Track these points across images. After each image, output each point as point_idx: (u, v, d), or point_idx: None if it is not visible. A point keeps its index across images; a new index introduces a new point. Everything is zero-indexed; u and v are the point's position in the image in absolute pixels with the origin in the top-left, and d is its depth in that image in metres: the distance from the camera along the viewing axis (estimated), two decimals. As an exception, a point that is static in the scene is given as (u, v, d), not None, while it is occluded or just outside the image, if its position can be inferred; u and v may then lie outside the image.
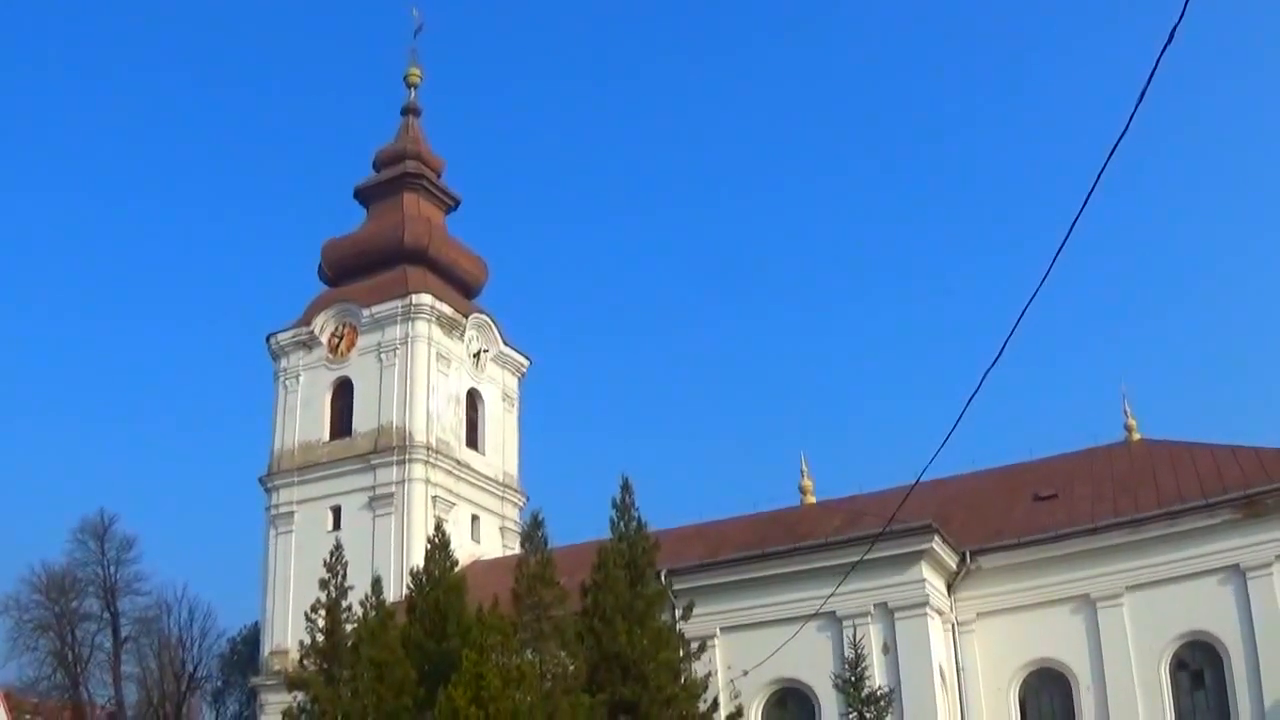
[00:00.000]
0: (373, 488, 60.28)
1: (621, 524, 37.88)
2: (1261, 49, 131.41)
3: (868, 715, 35.99)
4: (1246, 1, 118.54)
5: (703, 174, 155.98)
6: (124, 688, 74.83)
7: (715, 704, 38.60)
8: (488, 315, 67.81)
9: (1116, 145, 14.24)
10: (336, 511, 60.81)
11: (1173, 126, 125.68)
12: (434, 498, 60.09)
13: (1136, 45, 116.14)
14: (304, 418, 63.93)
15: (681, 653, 37.50)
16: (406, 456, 60.05)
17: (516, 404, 68.98)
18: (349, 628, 40.12)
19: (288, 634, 56.92)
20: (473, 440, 65.16)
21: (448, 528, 45.51)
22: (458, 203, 73.23)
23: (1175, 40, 12.62)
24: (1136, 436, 47.48)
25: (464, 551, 53.27)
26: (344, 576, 41.47)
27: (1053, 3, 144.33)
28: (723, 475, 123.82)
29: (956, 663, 42.39)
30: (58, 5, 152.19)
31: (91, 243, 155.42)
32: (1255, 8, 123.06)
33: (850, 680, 36.26)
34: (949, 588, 43.08)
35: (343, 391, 63.80)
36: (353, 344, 64.05)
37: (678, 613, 39.06)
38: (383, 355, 62.81)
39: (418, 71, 73.37)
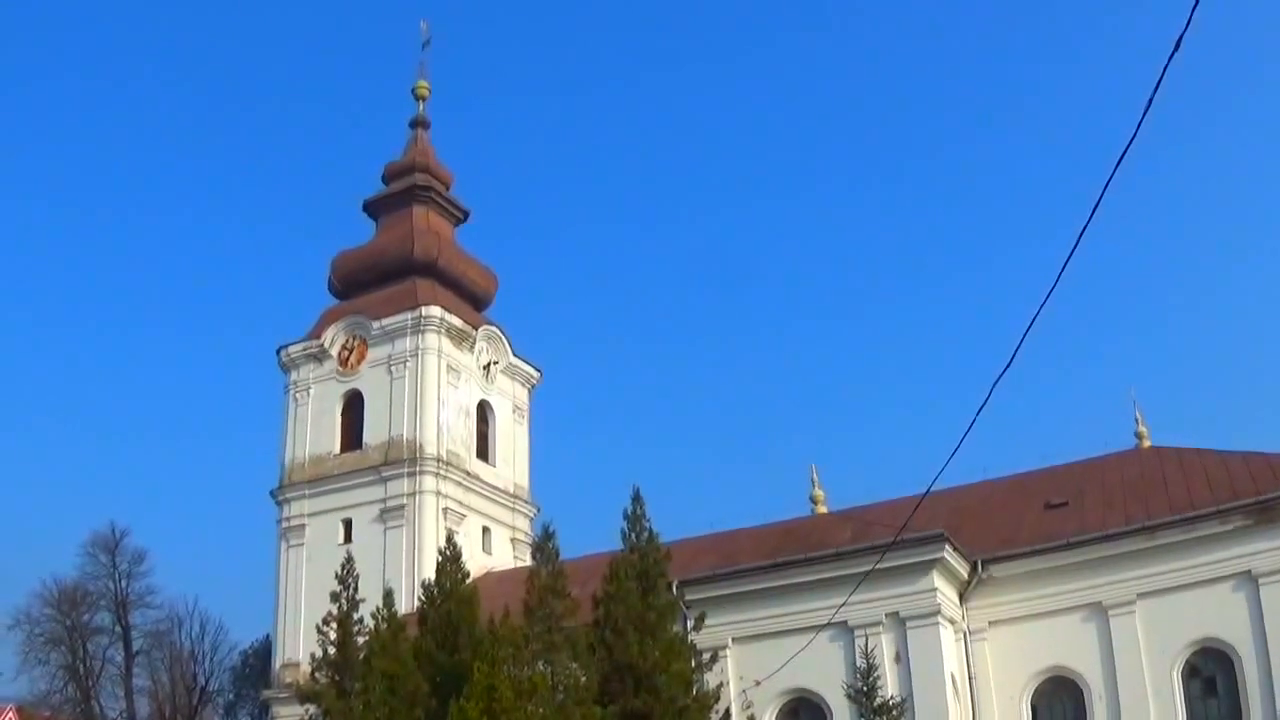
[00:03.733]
0: (384, 500, 60.40)
1: (633, 535, 37.84)
2: (1269, 54, 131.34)
3: (880, 725, 35.99)
4: (1254, 8, 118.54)
5: (712, 185, 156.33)
6: (136, 701, 75.02)
7: (727, 715, 38.54)
8: (497, 327, 67.96)
9: (1125, 152, 14.25)
10: (348, 524, 60.94)
11: (1183, 131, 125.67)
12: (445, 510, 60.17)
13: (1146, 48, 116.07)
14: (315, 430, 64.09)
15: (694, 664, 37.47)
16: (417, 469, 60.15)
17: (527, 415, 69.09)
18: (360, 640, 40.19)
19: (299, 647, 57.02)
20: (483, 452, 65.27)
21: (459, 540, 45.60)
22: (467, 215, 73.46)
23: (1182, 47, 12.65)
24: (1148, 443, 47.35)
25: (475, 563, 53.29)
26: (355, 589, 41.56)
27: (1061, 8, 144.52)
28: (734, 486, 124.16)
29: (968, 671, 42.29)
30: (70, 16, 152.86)
31: (101, 256, 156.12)
32: (1262, 13, 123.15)
33: (862, 690, 36.22)
34: (961, 597, 43.00)
35: (353, 404, 63.96)
36: (363, 357, 64.20)
37: (689, 623, 39.05)
38: (393, 368, 62.94)
39: (426, 85, 73.70)
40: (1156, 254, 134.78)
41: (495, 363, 66.92)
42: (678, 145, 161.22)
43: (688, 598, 42.00)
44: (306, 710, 41.05)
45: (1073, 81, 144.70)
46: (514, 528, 64.97)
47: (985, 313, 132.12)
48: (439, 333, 63.14)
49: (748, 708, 41.06)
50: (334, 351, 64.90)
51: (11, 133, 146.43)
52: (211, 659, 78.34)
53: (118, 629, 75.31)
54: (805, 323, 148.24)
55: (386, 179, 72.05)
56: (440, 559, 42.29)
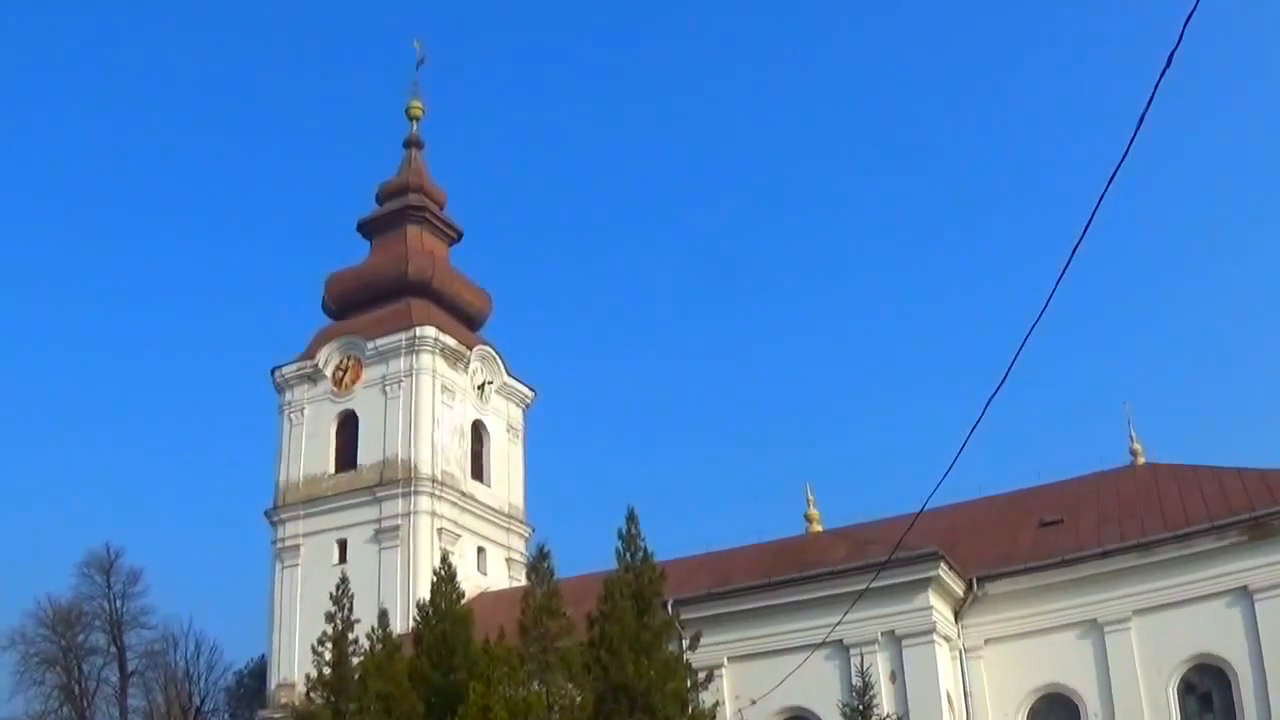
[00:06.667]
0: (378, 520, 60.31)
1: (628, 554, 37.73)
2: (1265, 67, 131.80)
3: (876, 743, 35.95)
4: (1250, 16, 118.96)
5: (706, 202, 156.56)
6: (131, 722, 74.85)
7: (723, 733, 38.51)
8: (491, 347, 67.95)
9: (1117, 169, 14.35)
10: (342, 544, 60.84)
11: (1176, 145, 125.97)
12: (440, 530, 60.09)
13: (1140, 61, 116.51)
14: (309, 451, 64.01)
15: (689, 683, 37.38)
16: (412, 489, 60.10)
17: (521, 435, 69.06)
18: (355, 661, 40.13)
19: (294, 667, 57.00)
20: (478, 472, 65.21)
21: (453, 560, 45.53)
22: (461, 235, 73.54)
23: (1175, 62, 12.72)
24: (1142, 460, 47.42)
25: (470, 583, 53.34)
26: (350, 609, 41.53)
27: (1061, 18, 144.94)
28: (729, 505, 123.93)
29: (964, 689, 42.24)
30: (67, 35, 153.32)
31: (96, 276, 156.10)
32: (1258, 21, 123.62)
33: (858, 708, 36.15)
34: (956, 614, 42.99)
35: (348, 424, 63.92)
36: (357, 377, 64.18)
37: (685, 643, 38.96)
38: (387, 388, 62.93)
39: (420, 104, 73.80)
40: (1152, 269, 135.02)
41: (489, 382, 66.88)
42: (672, 163, 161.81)
43: (683, 617, 41.89)
44: (301, 731, 40.98)
45: (1068, 94, 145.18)
46: (509, 548, 64.87)
47: (980, 329, 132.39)
48: (433, 353, 63.15)
49: (744, 727, 41.04)
50: (328, 372, 64.88)
51: (8, 151, 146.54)
52: (206, 679, 78.40)
53: (113, 649, 75.30)
54: (800, 341, 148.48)
55: (380, 199, 72.15)
56: (435, 579, 42.28)
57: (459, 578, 42.65)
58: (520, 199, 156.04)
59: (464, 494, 62.84)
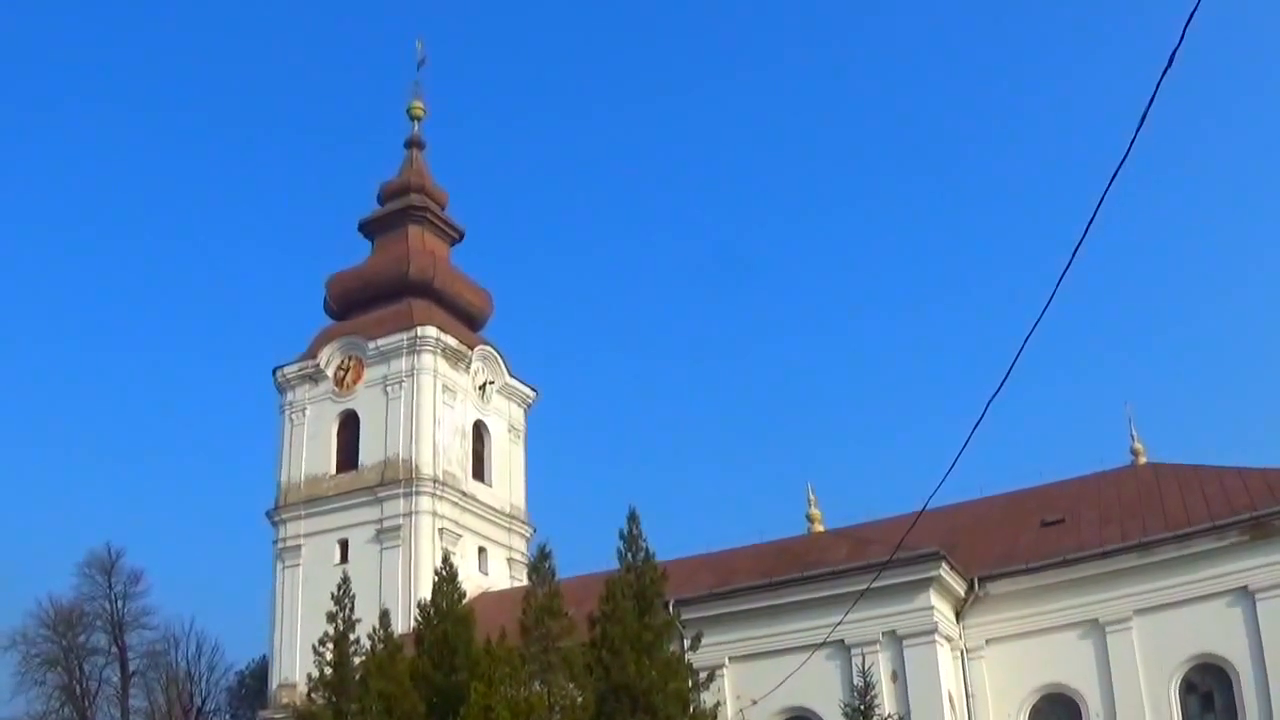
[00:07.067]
0: (380, 520, 60.32)
1: (629, 554, 37.75)
2: (1265, 67, 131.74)
3: (877, 743, 35.93)
4: (1250, 16, 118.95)
5: (707, 202, 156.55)
6: (132, 722, 74.83)
7: (725, 733, 38.49)
8: (493, 347, 67.96)
9: (1118, 171, 14.34)
10: (344, 544, 60.86)
11: (1178, 145, 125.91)
12: (441, 530, 60.09)
13: (1140, 61, 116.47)
14: (311, 451, 64.02)
15: (690, 683, 37.41)
16: (413, 489, 60.10)
17: (523, 435, 69.06)
18: (357, 661, 40.15)
19: (296, 667, 56.99)
20: (479, 472, 65.21)
21: (455, 560, 45.56)
22: (462, 235, 73.56)
23: (1176, 62, 12.73)
24: (1143, 460, 47.38)
25: (471, 584, 53.34)
26: (351, 609, 41.55)
27: (1061, 18, 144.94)
28: (730, 505, 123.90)
29: (966, 689, 42.21)
30: (71, 38, 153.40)
31: (97, 277, 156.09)
32: (1258, 21, 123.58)
33: (860, 708, 36.14)
34: (957, 614, 42.95)
35: (349, 424, 63.92)
36: (359, 377, 64.19)
37: (686, 643, 38.97)
38: (389, 388, 62.93)
39: (421, 105, 73.77)
40: (1153, 269, 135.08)
41: (491, 383, 66.89)
42: (673, 162, 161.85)
43: (684, 617, 41.88)
44: (303, 731, 40.98)
45: (1070, 94, 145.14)
46: (510, 548, 64.87)
47: (981, 328, 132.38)
48: (434, 353, 63.15)
49: (745, 727, 41.01)
50: (330, 372, 64.89)
51: (8, 150, 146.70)
52: (208, 680, 78.42)
53: (114, 650, 75.29)
54: (800, 341, 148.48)
55: (382, 199, 72.12)
56: (436, 579, 42.31)
57: (460, 578, 42.67)
58: (521, 199, 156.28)
59: (465, 494, 62.85)
